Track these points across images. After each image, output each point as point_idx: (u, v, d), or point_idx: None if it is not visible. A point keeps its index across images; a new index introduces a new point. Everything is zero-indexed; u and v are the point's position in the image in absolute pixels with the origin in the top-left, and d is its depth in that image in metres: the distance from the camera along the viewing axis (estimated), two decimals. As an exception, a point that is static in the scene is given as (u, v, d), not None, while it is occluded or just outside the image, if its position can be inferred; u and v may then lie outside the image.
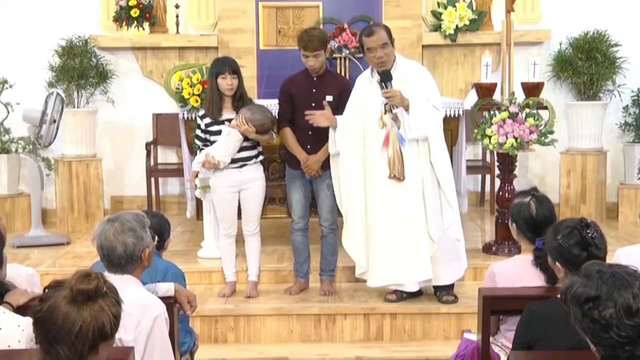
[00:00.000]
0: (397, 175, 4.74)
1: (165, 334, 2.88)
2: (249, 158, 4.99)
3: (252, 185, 5.01)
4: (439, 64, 7.34)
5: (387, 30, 4.77)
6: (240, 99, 4.97)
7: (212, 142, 4.96)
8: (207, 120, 4.97)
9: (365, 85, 4.87)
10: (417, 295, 5.06)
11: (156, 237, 3.22)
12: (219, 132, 4.92)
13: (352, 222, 4.91)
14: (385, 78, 4.70)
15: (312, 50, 4.89)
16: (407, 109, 4.67)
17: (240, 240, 5.21)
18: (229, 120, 4.92)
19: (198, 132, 5.03)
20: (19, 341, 2.71)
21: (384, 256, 4.82)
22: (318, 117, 4.87)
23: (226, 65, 4.90)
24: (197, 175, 5.23)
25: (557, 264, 2.88)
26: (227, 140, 4.88)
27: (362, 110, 4.84)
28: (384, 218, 4.80)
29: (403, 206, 4.76)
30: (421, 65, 5.15)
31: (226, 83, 4.89)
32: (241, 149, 4.94)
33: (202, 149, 5.01)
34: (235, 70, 4.91)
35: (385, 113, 4.76)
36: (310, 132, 5.00)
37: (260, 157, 5.08)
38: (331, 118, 4.87)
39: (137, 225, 2.91)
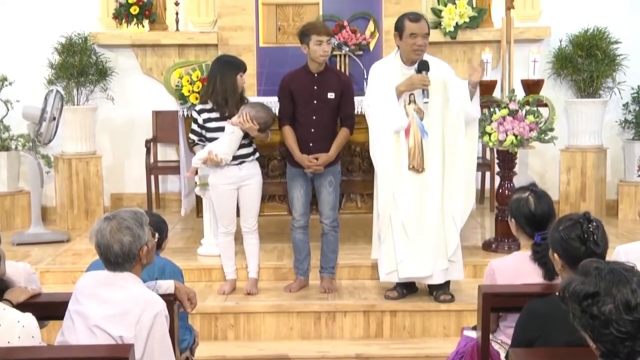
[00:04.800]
0: (415, 166, 4.74)
1: (166, 331, 2.88)
2: (247, 155, 5.00)
3: (250, 181, 5.02)
4: (438, 62, 7.32)
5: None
6: (240, 98, 5.00)
7: (207, 138, 4.96)
8: (205, 115, 4.96)
9: (395, 72, 4.80)
10: (417, 292, 5.06)
11: (157, 235, 3.21)
12: (215, 129, 4.92)
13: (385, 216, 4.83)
14: (424, 67, 4.73)
15: (327, 34, 4.89)
16: (474, 86, 4.84)
17: (239, 237, 5.21)
18: (229, 118, 4.92)
19: (194, 126, 5.01)
20: (19, 337, 2.71)
21: (412, 247, 4.76)
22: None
23: (243, 65, 4.99)
24: (196, 172, 5.22)
25: (556, 255, 2.88)
26: (231, 138, 4.88)
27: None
28: (410, 209, 4.75)
29: (425, 197, 4.74)
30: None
31: (242, 82, 4.95)
32: (239, 146, 4.95)
33: (197, 143, 5.03)
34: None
35: (409, 103, 4.75)
36: (312, 130, 4.98)
37: (257, 154, 5.09)
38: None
39: (134, 223, 2.90)
